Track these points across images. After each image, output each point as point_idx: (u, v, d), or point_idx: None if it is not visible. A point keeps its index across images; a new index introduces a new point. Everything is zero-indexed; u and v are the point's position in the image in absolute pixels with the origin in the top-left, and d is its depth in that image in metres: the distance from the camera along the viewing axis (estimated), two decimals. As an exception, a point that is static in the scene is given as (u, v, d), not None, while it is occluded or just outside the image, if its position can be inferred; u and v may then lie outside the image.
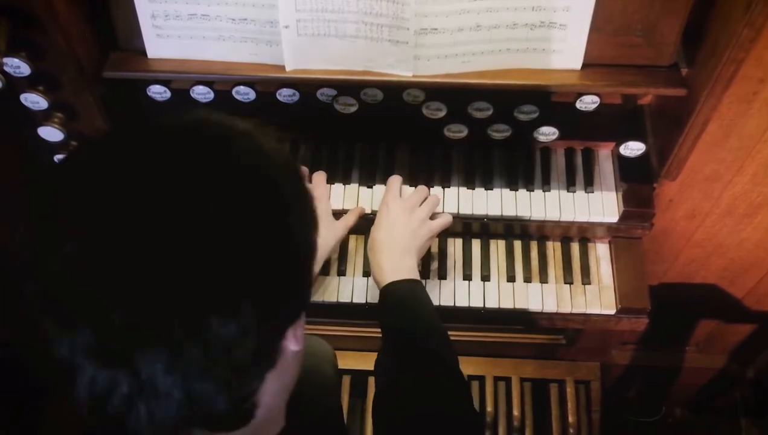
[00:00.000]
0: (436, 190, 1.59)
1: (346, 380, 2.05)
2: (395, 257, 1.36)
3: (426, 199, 1.49)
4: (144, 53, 1.34)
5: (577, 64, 1.34)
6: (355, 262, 1.61)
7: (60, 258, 0.62)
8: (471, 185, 1.60)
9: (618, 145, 1.53)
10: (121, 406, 0.65)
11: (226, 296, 0.64)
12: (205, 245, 0.63)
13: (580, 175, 1.61)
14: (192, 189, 0.65)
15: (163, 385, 0.64)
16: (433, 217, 1.48)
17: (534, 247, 1.65)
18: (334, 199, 1.58)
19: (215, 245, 0.63)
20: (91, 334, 0.62)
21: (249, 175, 0.69)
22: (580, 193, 1.59)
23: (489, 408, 2.03)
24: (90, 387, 0.65)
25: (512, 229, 1.64)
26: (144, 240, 0.62)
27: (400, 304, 1.31)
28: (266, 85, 1.42)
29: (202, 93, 1.40)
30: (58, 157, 1.43)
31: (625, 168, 1.57)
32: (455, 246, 1.65)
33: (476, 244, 1.65)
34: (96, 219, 0.63)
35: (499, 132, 1.55)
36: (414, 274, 1.35)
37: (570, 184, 1.60)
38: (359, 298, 1.57)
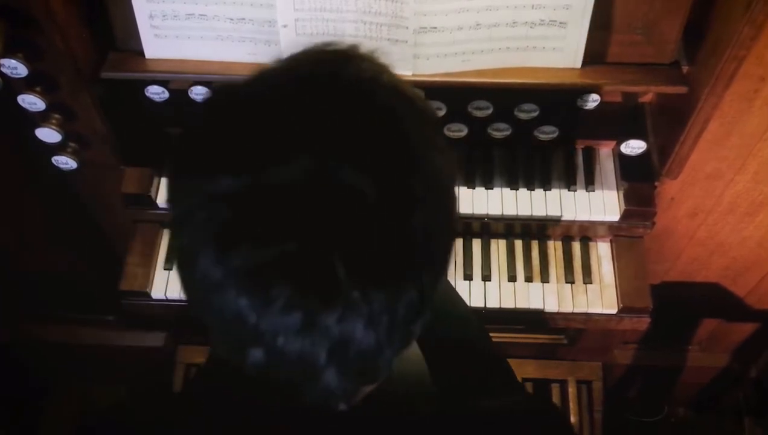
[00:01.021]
0: (437, 190, 1.58)
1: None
2: None
3: None
4: (142, 53, 1.33)
5: (578, 62, 1.33)
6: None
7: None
8: (471, 184, 1.59)
9: (619, 143, 1.52)
10: (307, 377, 0.66)
11: (414, 263, 0.66)
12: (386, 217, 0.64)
13: (581, 174, 1.60)
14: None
15: (355, 355, 0.65)
16: None
17: (535, 246, 1.64)
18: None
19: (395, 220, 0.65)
20: (301, 314, 0.62)
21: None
22: (581, 192, 1.58)
23: (490, 408, 2.02)
24: (282, 358, 0.64)
25: (513, 228, 1.64)
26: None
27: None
28: (265, 85, 1.41)
29: (200, 93, 1.40)
30: (56, 159, 1.43)
31: (626, 166, 1.57)
32: (456, 246, 1.65)
33: (477, 244, 1.65)
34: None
35: (499, 131, 1.54)
36: None
37: (571, 183, 1.59)
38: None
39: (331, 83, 0.69)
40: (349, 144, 0.65)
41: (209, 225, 0.63)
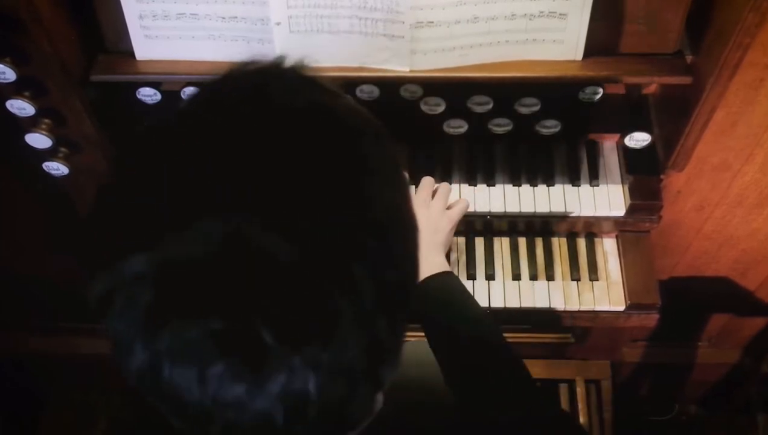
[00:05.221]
0: (437, 188, 1.56)
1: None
2: (423, 256, 1.33)
3: (436, 190, 1.44)
4: (132, 55, 1.31)
5: (579, 54, 1.31)
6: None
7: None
8: (473, 182, 1.57)
9: (623, 136, 1.49)
10: None
11: (363, 313, 0.62)
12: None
13: (585, 169, 1.58)
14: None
15: (319, 410, 0.62)
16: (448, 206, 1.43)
17: (539, 243, 1.62)
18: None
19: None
20: (243, 386, 0.60)
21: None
22: (585, 187, 1.56)
23: (498, 409, 2.00)
24: (240, 428, 0.62)
25: (516, 225, 1.62)
26: None
27: (440, 298, 1.27)
28: (259, 85, 1.39)
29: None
30: (47, 165, 1.40)
31: (631, 160, 1.54)
32: (458, 245, 1.62)
33: (479, 243, 1.62)
34: None
35: (500, 126, 1.52)
36: (445, 267, 1.31)
37: (574, 178, 1.56)
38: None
39: (248, 118, 0.64)
40: (267, 196, 0.60)
41: (134, 309, 0.59)
